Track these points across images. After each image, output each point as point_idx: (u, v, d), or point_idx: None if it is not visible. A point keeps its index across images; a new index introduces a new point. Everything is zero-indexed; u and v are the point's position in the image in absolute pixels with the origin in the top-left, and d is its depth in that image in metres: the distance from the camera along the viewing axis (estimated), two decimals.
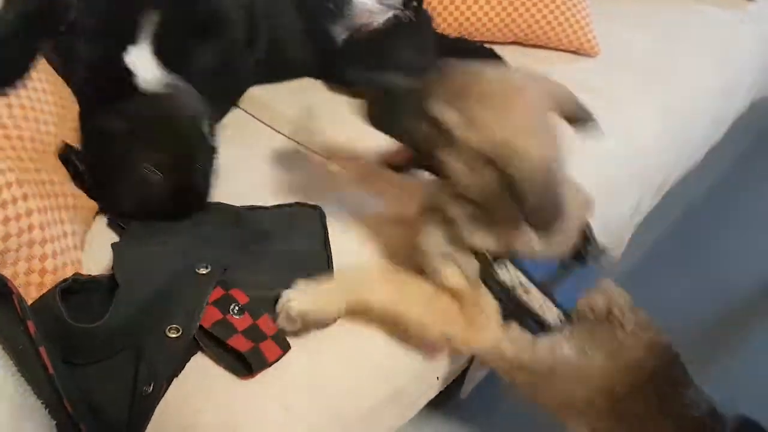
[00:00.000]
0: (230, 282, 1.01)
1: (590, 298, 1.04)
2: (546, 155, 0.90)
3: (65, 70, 1.23)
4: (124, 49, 1.20)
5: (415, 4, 1.66)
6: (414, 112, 0.95)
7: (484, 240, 0.99)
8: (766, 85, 2.41)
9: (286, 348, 0.97)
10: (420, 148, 0.99)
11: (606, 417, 1.02)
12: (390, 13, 1.60)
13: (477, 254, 1.00)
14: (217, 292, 1.00)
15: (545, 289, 1.02)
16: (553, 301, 1.02)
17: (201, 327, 0.94)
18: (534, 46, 1.84)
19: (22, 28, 1.09)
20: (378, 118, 1.00)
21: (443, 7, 1.78)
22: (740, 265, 2.18)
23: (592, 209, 1.13)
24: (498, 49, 1.76)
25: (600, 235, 1.63)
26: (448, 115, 0.92)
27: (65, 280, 0.94)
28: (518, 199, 0.88)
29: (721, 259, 2.20)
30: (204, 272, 1.00)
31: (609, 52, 1.84)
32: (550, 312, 1.02)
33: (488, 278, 1.01)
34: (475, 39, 1.81)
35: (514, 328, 1.03)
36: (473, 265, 1.01)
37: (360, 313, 1.00)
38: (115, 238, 1.13)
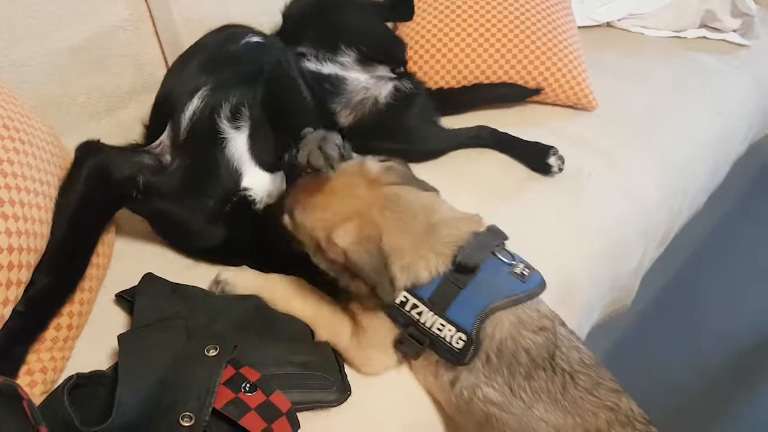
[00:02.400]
0: (240, 359, 1.01)
1: (524, 336, 0.99)
2: (358, 231, 1.00)
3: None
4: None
5: (402, 70, 1.71)
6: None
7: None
8: (764, 127, 2.44)
9: (296, 427, 0.95)
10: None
11: None
12: (389, 86, 1.64)
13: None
14: (228, 372, 0.98)
15: (434, 307, 1.00)
16: (447, 319, 1.00)
17: (213, 408, 0.93)
18: (532, 101, 1.87)
19: (80, 214, 1.10)
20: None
21: (441, 65, 1.81)
22: (742, 315, 2.17)
23: (476, 219, 1.11)
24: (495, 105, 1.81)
25: (608, 292, 1.66)
26: (288, 224, 1.10)
27: (70, 378, 0.93)
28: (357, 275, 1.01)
29: (723, 310, 2.19)
30: (213, 354, 0.99)
31: (605, 107, 1.86)
32: (447, 332, 1.00)
33: (378, 297, 1.02)
34: None
35: (435, 363, 1.05)
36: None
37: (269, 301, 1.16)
38: (122, 316, 1.14)
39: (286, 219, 1.11)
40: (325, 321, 1.13)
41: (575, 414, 0.96)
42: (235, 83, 1.24)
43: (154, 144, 1.26)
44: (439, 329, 1.01)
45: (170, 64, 1.55)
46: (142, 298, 1.12)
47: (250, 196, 1.24)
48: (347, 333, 1.10)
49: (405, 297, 1.03)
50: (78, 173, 1.13)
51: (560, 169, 1.59)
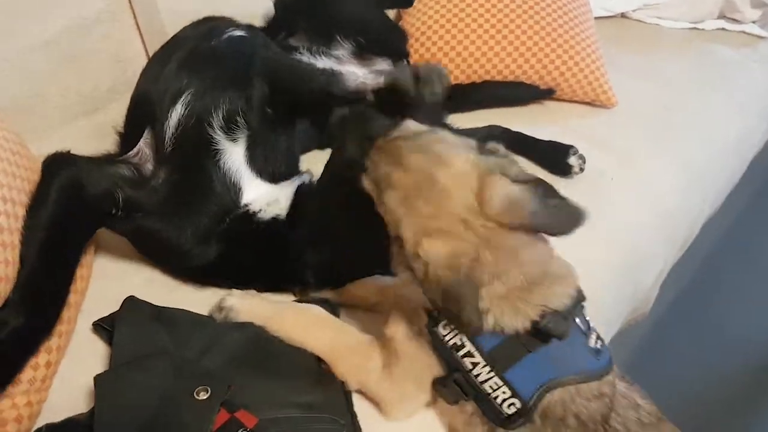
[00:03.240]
0: (235, 401, 0.88)
1: (576, 402, 0.88)
2: (450, 254, 0.84)
3: None
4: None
5: (405, 62, 1.58)
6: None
7: None
8: None
9: None
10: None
11: None
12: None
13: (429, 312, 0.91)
14: (222, 416, 0.86)
15: (494, 364, 0.87)
16: (503, 380, 0.87)
17: None
18: (548, 90, 1.73)
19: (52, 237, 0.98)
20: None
21: (449, 59, 1.69)
22: (761, 317, 2.09)
23: (571, 280, 0.95)
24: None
25: (629, 304, 1.55)
26: (369, 189, 0.94)
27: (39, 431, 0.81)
28: (428, 297, 0.86)
29: (741, 313, 2.10)
30: (204, 397, 0.87)
31: (622, 104, 1.74)
32: (501, 393, 0.87)
33: (432, 335, 0.90)
34: None
35: (470, 414, 0.92)
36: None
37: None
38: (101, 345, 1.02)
39: (368, 185, 0.94)
40: (347, 353, 1.00)
41: None
42: (222, 86, 1.11)
43: (131, 153, 1.13)
44: (492, 387, 0.88)
45: None
46: (123, 329, 1.00)
47: (251, 210, 1.11)
48: (376, 365, 0.97)
49: (461, 341, 0.89)
50: (48, 190, 1.00)
51: (581, 170, 1.47)
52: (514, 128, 1.58)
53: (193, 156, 1.08)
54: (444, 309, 0.85)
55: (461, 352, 0.89)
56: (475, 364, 0.88)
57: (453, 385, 0.91)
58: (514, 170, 0.89)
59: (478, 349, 0.88)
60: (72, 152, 1.08)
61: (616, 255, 1.41)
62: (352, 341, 1.02)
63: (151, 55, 1.42)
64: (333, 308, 1.13)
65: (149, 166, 1.11)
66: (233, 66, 1.15)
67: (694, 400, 1.78)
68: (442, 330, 0.90)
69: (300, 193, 1.15)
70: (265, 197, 1.13)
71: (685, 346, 1.96)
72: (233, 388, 0.90)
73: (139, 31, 1.43)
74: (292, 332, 1.02)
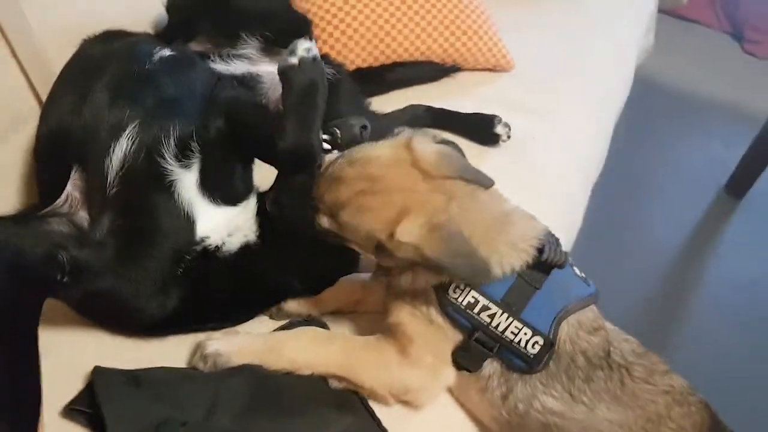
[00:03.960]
0: None
1: (581, 338, 0.94)
2: (426, 221, 0.87)
3: None
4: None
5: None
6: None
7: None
8: (643, 50, 2.55)
9: None
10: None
11: None
12: None
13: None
14: None
15: (510, 309, 0.91)
16: (522, 321, 0.91)
17: None
18: (453, 67, 1.74)
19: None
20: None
21: (361, 46, 1.64)
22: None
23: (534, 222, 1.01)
24: None
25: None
26: (329, 225, 0.95)
27: None
28: (435, 270, 0.89)
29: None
30: None
31: (521, 65, 1.80)
32: (523, 335, 0.91)
33: (445, 305, 0.92)
34: None
35: (485, 378, 0.96)
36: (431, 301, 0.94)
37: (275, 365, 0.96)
38: None
39: (325, 221, 0.94)
40: (361, 358, 0.96)
41: (636, 406, 0.94)
42: (169, 112, 0.99)
43: (58, 202, 0.97)
44: (513, 333, 0.91)
45: (39, 89, 1.22)
46: (109, 406, 0.87)
47: (210, 245, 1.01)
48: (392, 355, 0.95)
49: (474, 298, 0.91)
50: None
51: (508, 137, 1.51)
52: (433, 104, 1.58)
53: (142, 194, 0.96)
54: (452, 273, 0.88)
55: (476, 309, 0.91)
56: (492, 316, 0.91)
57: (475, 345, 0.93)
58: (430, 134, 0.98)
59: (491, 300, 0.91)
60: None
61: (557, 206, 1.46)
62: (359, 345, 0.99)
63: (35, 83, 1.22)
64: (320, 323, 1.08)
65: (83, 215, 0.97)
66: (175, 89, 1.03)
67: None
68: (452, 294, 0.92)
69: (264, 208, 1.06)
70: (223, 226, 1.03)
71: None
72: None
73: (15, 57, 1.20)
74: (297, 358, 0.96)
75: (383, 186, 0.90)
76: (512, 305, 0.91)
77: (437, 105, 1.59)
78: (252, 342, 0.98)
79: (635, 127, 2.69)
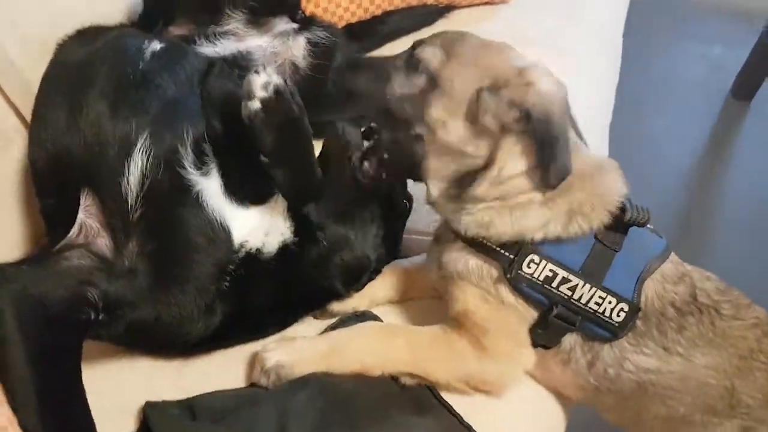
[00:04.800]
0: None
1: (668, 290, 0.89)
2: (560, 89, 0.84)
3: None
4: None
5: (302, 15, 1.38)
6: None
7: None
8: None
9: None
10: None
11: (738, 417, 0.90)
12: (300, 41, 1.30)
13: (494, 254, 0.86)
14: None
15: (592, 278, 0.85)
16: (606, 290, 0.85)
17: None
18: (447, 7, 1.63)
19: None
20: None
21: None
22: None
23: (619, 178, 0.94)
24: None
25: None
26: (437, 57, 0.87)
27: None
28: (531, 134, 0.81)
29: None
30: None
31: None
32: (607, 304, 0.85)
33: (516, 280, 0.85)
34: None
35: (567, 351, 0.90)
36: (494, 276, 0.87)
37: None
38: None
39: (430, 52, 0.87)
40: (431, 350, 0.90)
41: (728, 345, 0.90)
42: (177, 115, 0.88)
43: (71, 234, 0.87)
44: (597, 303, 0.84)
45: (16, 103, 1.08)
46: None
47: (251, 249, 0.91)
48: (464, 346, 0.88)
49: (552, 271, 0.83)
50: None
51: None
52: None
53: (169, 212, 0.85)
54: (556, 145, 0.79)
55: (555, 282, 0.84)
56: (573, 288, 0.84)
57: (555, 321, 0.86)
58: None
59: (571, 271, 0.84)
60: None
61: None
62: (426, 340, 0.91)
63: (10, 97, 1.07)
64: (372, 317, 1.01)
65: (103, 242, 0.86)
66: (175, 87, 0.93)
67: None
68: (527, 269, 0.84)
69: None
70: (258, 227, 0.93)
71: None
72: None
73: None
74: (364, 358, 0.89)
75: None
76: (593, 274, 0.84)
77: None
78: (313, 347, 0.90)
79: (630, 44, 2.60)
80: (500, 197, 0.84)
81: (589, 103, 1.50)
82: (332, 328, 0.99)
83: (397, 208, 1.06)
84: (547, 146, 0.78)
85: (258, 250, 0.92)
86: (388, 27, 1.56)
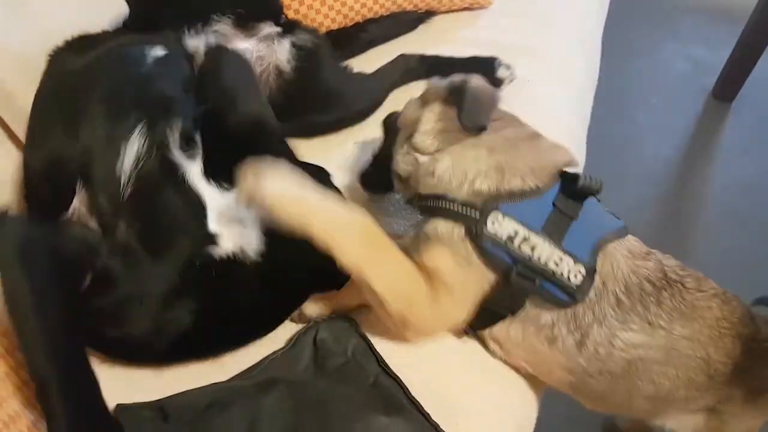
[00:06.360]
0: None
1: (639, 266, 0.93)
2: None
3: None
4: None
5: (285, 19, 1.44)
6: None
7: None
8: None
9: None
10: None
11: (714, 388, 0.95)
12: (285, 45, 1.36)
13: (458, 216, 0.90)
14: None
15: (551, 238, 0.88)
16: (565, 251, 0.88)
17: None
18: (427, 13, 1.69)
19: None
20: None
21: (328, 4, 1.56)
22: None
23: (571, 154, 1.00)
24: None
25: None
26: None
27: None
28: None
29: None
30: None
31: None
32: (565, 266, 0.88)
33: (479, 238, 0.88)
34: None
35: (549, 327, 0.93)
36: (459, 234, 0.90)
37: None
38: None
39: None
40: (395, 264, 0.90)
41: (698, 316, 0.94)
42: (169, 105, 0.96)
43: (65, 216, 0.94)
44: (555, 263, 0.88)
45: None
46: None
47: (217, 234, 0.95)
48: (424, 296, 0.90)
49: (514, 229, 0.88)
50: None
51: (512, 80, 1.43)
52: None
53: (156, 191, 0.92)
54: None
55: (517, 241, 0.88)
56: (533, 248, 0.88)
57: (517, 279, 0.89)
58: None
59: (532, 231, 0.88)
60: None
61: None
62: (396, 253, 0.91)
63: None
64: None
65: (92, 226, 0.92)
66: (173, 85, 1.01)
67: None
68: (491, 228, 0.88)
69: None
70: (234, 212, 0.97)
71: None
72: None
73: None
74: (327, 227, 0.85)
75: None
76: (551, 235, 0.88)
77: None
78: (300, 181, 0.87)
79: (611, 42, 2.64)
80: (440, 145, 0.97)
81: (570, 108, 1.55)
82: (304, 332, 1.00)
83: None
84: (455, 93, 0.93)
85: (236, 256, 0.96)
86: (369, 35, 1.61)
